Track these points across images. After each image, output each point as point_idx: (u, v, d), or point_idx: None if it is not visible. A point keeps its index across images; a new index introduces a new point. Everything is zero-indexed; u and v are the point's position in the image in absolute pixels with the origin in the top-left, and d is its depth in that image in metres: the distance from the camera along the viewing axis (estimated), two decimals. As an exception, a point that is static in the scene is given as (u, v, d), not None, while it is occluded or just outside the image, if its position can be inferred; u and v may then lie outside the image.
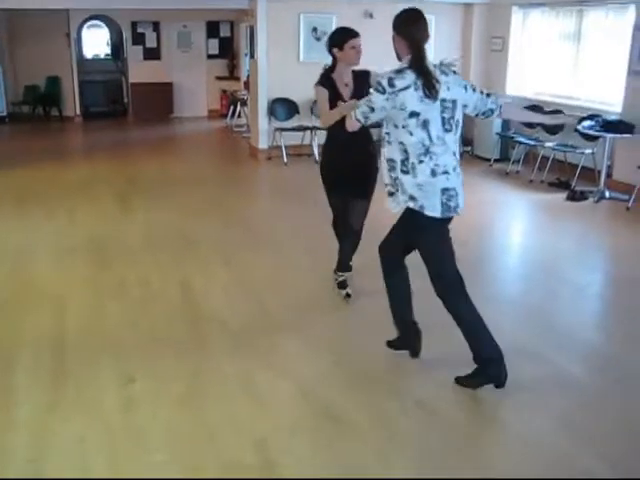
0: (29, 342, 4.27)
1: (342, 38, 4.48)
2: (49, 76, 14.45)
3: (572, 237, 6.82)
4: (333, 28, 9.61)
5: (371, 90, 3.56)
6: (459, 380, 3.74)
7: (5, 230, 6.69)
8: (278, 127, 10.05)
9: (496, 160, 9.80)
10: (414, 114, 3.44)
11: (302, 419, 3.48)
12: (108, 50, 15.94)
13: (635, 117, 7.87)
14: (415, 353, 3.99)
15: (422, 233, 3.69)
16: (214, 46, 15.18)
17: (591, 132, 8.03)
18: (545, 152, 8.94)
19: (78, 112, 14.63)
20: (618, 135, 7.83)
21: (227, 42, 15.21)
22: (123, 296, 5.02)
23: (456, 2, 10.57)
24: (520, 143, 9.33)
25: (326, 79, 4.52)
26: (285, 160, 9.86)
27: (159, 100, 14.73)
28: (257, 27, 9.84)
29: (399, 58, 3.60)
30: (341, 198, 4.75)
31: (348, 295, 4.85)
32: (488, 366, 3.66)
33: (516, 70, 10.25)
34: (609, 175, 8.16)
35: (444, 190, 3.52)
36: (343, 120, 3.83)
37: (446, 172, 3.52)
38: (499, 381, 3.64)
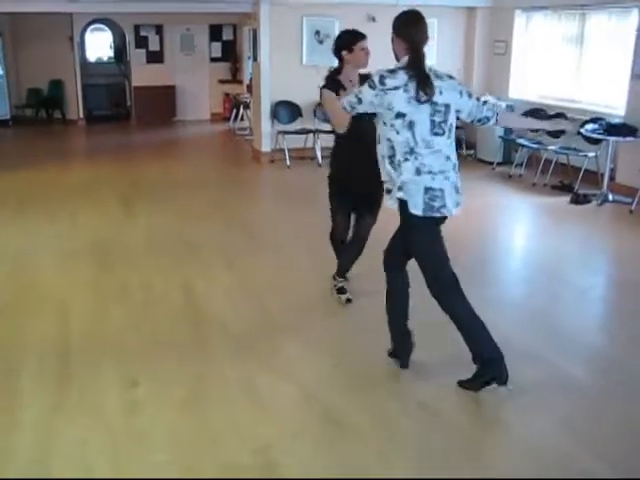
0: (33, 345, 4.28)
1: (352, 40, 4.45)
2: (52, 79, 14.48)
3: (575, 240, 6.81)
4: (336, 31, 9.68)
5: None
6: (462, 383, 3.73)
7: (8, 233, 6.70)
8: (281, 130, 10.06)
9: (499, 163, 9.79)
10: (400, 115, 3.48)
11: (304, 422, 3.47)
12: (111, 53, 15.97)
13: (638, 120, 7.86)
14: (404, 364, 3.93)
15: (412, 232, 3.71)
16: (217, 49, 15.20)
17: (594, 135, 8.01)
18: (548, 155, 8.93)
19: (81, 115, 14.65)
20: (621, 138, 7.82)
21: (230, 45, 15.23)
22: (126, 299, 5.02)
23: (459, 6, 10.57)
24: (523, 146, 9.31)
25: (332, 81, 4.45)
26: (288, 163, 9.86)
27: (162, 103, 14.74)
28: (260, 30, 9.85)
29: (397, 59, 3.63)
30: (348, 211, 4.71)
31: (349, 300, 4.83)
32: (489, 367, 3.65)
33: (519, 73, 10.25)
34: (612, 178, 8.15)
35: (427, 189, 3.54)
36: (354, 131, 3.87)
37: (431, 172, 3.53)
38: (501, 381, 3.64)
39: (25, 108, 14.45)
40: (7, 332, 4.50)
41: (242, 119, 13.46)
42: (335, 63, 4.58)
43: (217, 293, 5.16)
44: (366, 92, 3.54)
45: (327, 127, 9.87)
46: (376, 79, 3.50)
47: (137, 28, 14.52)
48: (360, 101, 3.58)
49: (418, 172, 3.52)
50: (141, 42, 14.66)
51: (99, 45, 15.80)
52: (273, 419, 3.49)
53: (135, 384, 3.79)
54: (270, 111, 10.13)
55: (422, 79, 3.46)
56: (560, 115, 8.93)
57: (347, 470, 3.09)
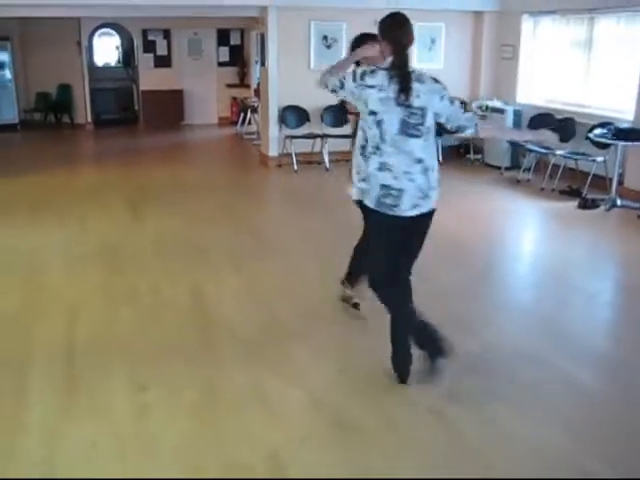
0: (42, 348, 4.29)
1: (365, 41, 4.43)
2: (60, 84, 14.54)
3: (583, 245, 6.79)
4: (343, 36, 9.74)
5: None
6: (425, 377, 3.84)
7: (18, 237, 6.72)
8: (288, 135, 10.07)
9: (507, 168, 9.77)
10: (372, 112, 3.59)
11: (312, 427, 3.47)
12: (119, 58, 16.02)
13: (647, 125, 7.85)
14: (402, 379, 3.86)
15: (368, 218, 3.93)
16: (225, 54, 15.24)
17: (603, 140, 8.00)
18: (556, 160, 8.90)
19: (89, 119, 14.71)
20: (630, 143, 7.79)
21: (237, 50, 15.27)
22: (134, 303, 5.03)
23: (466, 10, 10.56)
24: (531, 151, 9.29)
25: None
26: (295, 168, 9.86)
27: (170, 107, 14.79)
28: (268, 35, 9.88)
29: (384, 59, 3.69)
30: None
31: (356, 305, 4.80)
32: (435, 355, 3.82)
33: (527, 78, 10.23)
34: (621, 183, 8.12)
35: (383, 186, 3.62)
36: None
37: (392, 171, 3.60)
38: (442, 355, 3.81)
39: (34, 112, 14.51)
40: (17, 335, 4.52)
41: (250, 123, 13.49)
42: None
43: (225, 297, 5.16)
44: (348, 81, 3.65)
45: (335, 132, 9.94)
46: (358, 73, 3.63)
47: (145, 32, 14.58)
48: (342, 86, 3.68)
49: (380, 168, 3.63)
50: (149, 46, 14.72)
51: (107, 49, 15.85)
52: (281, 423, 3.49)
53: (143, 388, 3.80)
54: (278, 115, 10.14)
55: (402, 82, 3.52)
56: (568, 120, 8.92)
57: (355, 474, 3.09)
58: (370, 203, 3.69)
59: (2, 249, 6.39)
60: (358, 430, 3.43)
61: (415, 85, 3.53)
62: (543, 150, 9.10)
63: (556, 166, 8.85)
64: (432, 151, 3.70)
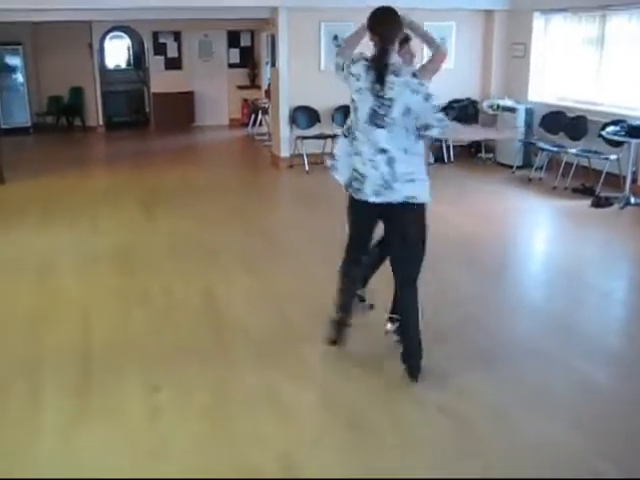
0: (55, 350, 4.31)
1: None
2: (72, 87, 14.60)
3: (596, 243, 6.75)
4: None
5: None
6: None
7: (32, 239, 6.76)
8: (299, 135, 10.07)
9: (519, 167, 9.72)
10: (352, 100, 3.78)
11: (324, 429, 3.47)
12: (130, 60, 16.07)
13: (660, 122, 7.78)
14: (411, 374, 3.89)
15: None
16: (235, 55, 15.26)
17: (616, 137, 7.94)
18: (569, 158, 8.85)
19: (101, 122, 14.77)
20: (643, 140, 7.74)
21: (248, 51, 15.29)
22: (147, 305, 5.04)
23: (477, 9, 10.52)
24: (543, 149, 9.24)
25: None
26: (307, 168, 9.86)
27: (181, 109, 14.82)
28: (278, 36, 9.88)
29: None
30: None
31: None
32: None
33: (538, 76, 10.18)
34: (634, 181, 8.06)
35: (354, 170, 3.81)
36: None
37: (361, 157, 3.76)
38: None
39: (46, 115, 14.57)
40: (30, 337, 4.54)
41: (260, 124, 13.49)
42: None
43: (237, 299, 5.17)
44: (345, 65, 3.81)
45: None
46: (349, 59, 3.78)
47: (155, 35, 14.63)
48: (341, 68, 3.85)
49: (354, 152, 3.82)
50: (159, 49, 14.76)
51: (118, 52, 15.91)
52: (293, 425, 3.48)
53: (157, 390, 3.81)
54: (289, 116, 10.15)
55: (377, 73, 3.61)
56: (580, 118, 8.87)
57: (367, 475, 3.08)
58: (342, 183, 3.94)
59: (15, 251, 6.42)
60: (370, 430, 3.42)
61: (390, 77, 3.59)
62: (555, 149, 9.06)
63: (568, 164, 8.79)
64: (402, 144, 3.68)
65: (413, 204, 3.71)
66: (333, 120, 10.04)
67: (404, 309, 3.95)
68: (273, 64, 10.45)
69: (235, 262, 6.00)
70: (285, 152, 10.28)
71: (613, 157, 8.22)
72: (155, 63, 14.81)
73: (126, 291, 5.33)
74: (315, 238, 6.69)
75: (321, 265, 5.88)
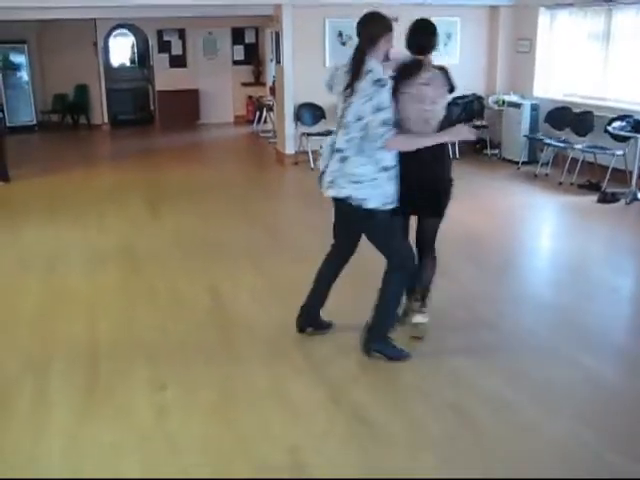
0: (62, 349, 4.32)
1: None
2: (77, 85, 14.63)
3: (603, 239, 6.73)
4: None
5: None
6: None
7: (38, 237, 6.77)
8: (304, 132, 10.06)
9: (524, 163, 9.69)
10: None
11: (333, 425, 3.46)
12: (135, 58, 16.08)
13: (667, 117, 7.75)
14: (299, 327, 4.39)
15: None
16: (239, 52, 15.25)
17: (622, 133, 7.92)
18: (574, 154, 8.82)
19: (106, 120, 14.79)
20: (650, 135, 7.71)
21: (252, 48, 15.27)
22: (153, 302, 5.05)
23: (482, 4, 10.49)
24: (549, 145, 9.22)
25: None
26: (312, 165, 9.82)
27: (185, 107, 14.83)
28: (282, 33, 9.86)
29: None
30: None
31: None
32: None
33: (544, 72, 10.14)
34: (641, 176, 8.04)
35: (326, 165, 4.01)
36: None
37: (326, 151, 4.00)
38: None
39: (51, 113, 14.61)
40: (37, 335, 4.55)
41: (265, 121, 13.49)
42: None
43: (243, 296, 5.17)
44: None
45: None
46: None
47: (160, 33, 14.62)
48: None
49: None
50: (164, 46, 14.77)
51: (123, 50, 15.92)
52: (301, 421, 3.48)
53: (164, 388, 3.81)
54: (293, 113, 10.14)
55: (351, 76, 3.73)
56: (586, 113, 8.84)
57: (376, 471, 3.08)
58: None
59: (21, 249, 6.44)
60: (377, 426, 3.42)
61: (357, 83, 3.69)
62: (561, 144, 9.03)
63: (574, 160, 8.76)
64: (360, 147, 3.78)
65: (359, 206, 3.82)
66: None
67: (381, 290, 4.05)
68: (278, 61, 10.43)
69: (241, 259, 6.00)
70: (290, 149, 10.27)
71: (619, 152, 8.19)
72: (160, 61, 14.82)
73: (132, 289, 5.34)
74: (320, 235, 6.64)
75: (327, 262, 5.87)
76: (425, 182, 4.09)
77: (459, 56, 10.46)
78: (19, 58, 14.07)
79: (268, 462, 3.15)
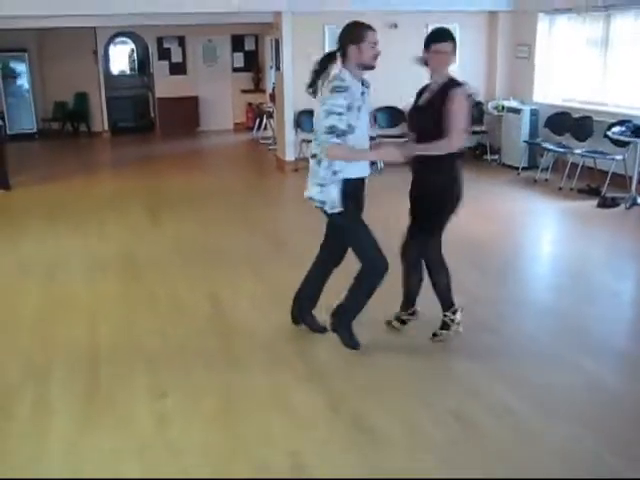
0: (62, 355, 4.31)
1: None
2: (77, 92, 14.67)
3: (603, 244, 6.73)
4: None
5: None
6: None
7: (39, 244, 6.78)
8: (305, 138, 10.07)
9: (524, 168, 9.70)
10: None
11: (334, 431, 3.45)
12: (135, 66, 16.12)
13: (666, 122, 7.76)
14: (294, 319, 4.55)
15: None
16: (239, 59, 15.30)
17: (621, 138, 7.92)
18: (574, 159, 8.82)
19: (106, 127, 14.83)
20: (649, 140, 7.71)
21: (252, 55, 15.32)
22: (153, 309, 5.04)
23: (480, 10, 10.52)
24: (548, 150, 9.22)
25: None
26: (312, 171, 9.84)
27: (185, 114, 14.87)
28: (282, 40, 9.89)
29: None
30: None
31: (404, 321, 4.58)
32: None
33: (543, 77, 10.16)
34: (640, 181, 8.04)
35: None
36: None
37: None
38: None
39: (51, 121, 14.64)
40: (37, 342, 4.55)
41: (265, 128, 13.51)
42: None
43: (243, 303, 5.16)
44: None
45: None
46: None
47: (160, 40, 14.68)
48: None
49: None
50: (164, 54, 14.82)
51: (122, 58, 15.96)
52: (303, 428, 3.47)
53: (165, 395, 3.80)
54: (293, 120, 10.16)
55: (310, 78, 4.02)
56: (586, 118, 8.84)
57: (377, 471, 3.08)
58: None
59: (21, 256, 6.44)
60: (378, 432, 3.41)
61: (322, 87, 3.93)
62: (561, 149, 9.04)
63: (574, 165, 8.76)
64: (320, 150, 4.04)
65: (322, 208, 4.18)
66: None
67: (352, 285, 4.19)
68: (277, 68, 10.46)
69: (241, 266, 6.00)
70: (290, 156, 10.28)
71: (619, 157, 8.19)
72: (160, 68, 14.86)
73: (132, 295, 5.33)
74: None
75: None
76: (412, 196, 4.23)
77: (458, 62, 10.40)
78: (19, 66, 14.13)
79: (267, 468, 3.14)
